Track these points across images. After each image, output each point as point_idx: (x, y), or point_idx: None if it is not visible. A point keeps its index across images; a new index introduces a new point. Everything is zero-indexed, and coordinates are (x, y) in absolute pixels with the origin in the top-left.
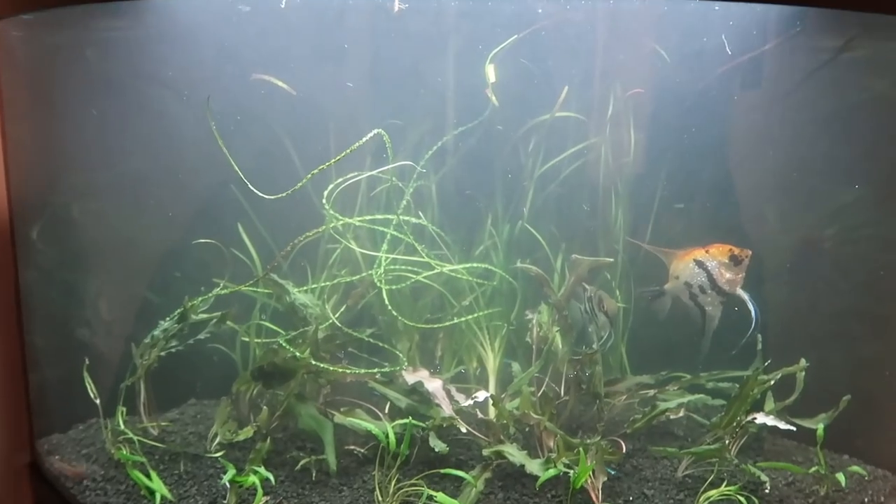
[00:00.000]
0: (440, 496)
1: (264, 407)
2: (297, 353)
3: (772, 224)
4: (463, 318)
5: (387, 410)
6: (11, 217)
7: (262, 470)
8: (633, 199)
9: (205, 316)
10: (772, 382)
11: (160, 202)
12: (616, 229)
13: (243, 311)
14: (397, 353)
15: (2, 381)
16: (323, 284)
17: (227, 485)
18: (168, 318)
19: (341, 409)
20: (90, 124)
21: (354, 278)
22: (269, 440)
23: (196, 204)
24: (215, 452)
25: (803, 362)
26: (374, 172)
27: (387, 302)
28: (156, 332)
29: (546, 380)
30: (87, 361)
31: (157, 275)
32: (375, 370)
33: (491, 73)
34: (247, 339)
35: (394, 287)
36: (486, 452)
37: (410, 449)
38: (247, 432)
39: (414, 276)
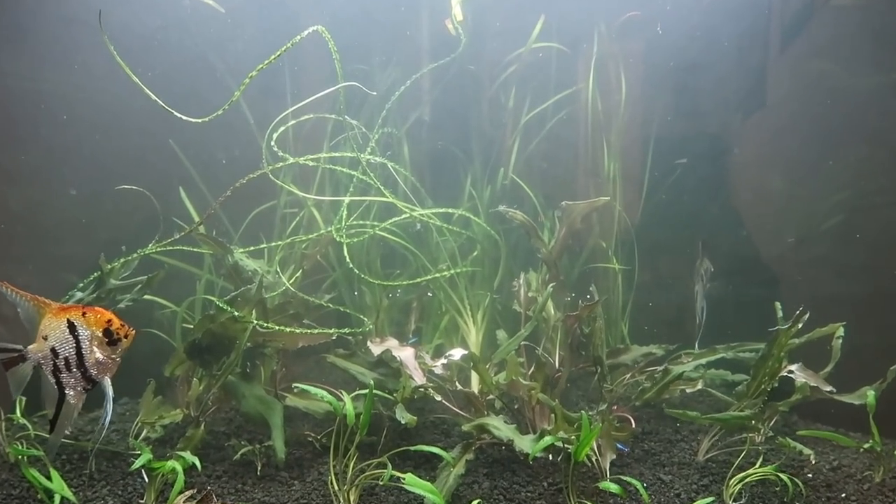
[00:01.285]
0: (409, 477)
1: (194, 381)
2: (237, 314)
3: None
4: (437, 274)
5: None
6: None
7: (186, 454)
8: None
9: (126, 282)
10: (799, 341)
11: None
12: (609, 184)
13: (184, 292)
14: (361, 318)
15: None
16: (275, 244)
17: (145, 476)
18: (81, 284)
19: (294, 390)
20: None
21: (311, 236)
22: (202, 426)
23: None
24: (137, 448)
25: (840, 329)
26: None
27: (347, 258)
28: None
29: (539, 350)
30: None
31: (76, 246)
32: (333, 330)
33: (457, 9)
34: (188, 325)
35: (355, 241)
36: (466, 428)
37: (380, 433)
38: (174, 416)
39: (376, 226)
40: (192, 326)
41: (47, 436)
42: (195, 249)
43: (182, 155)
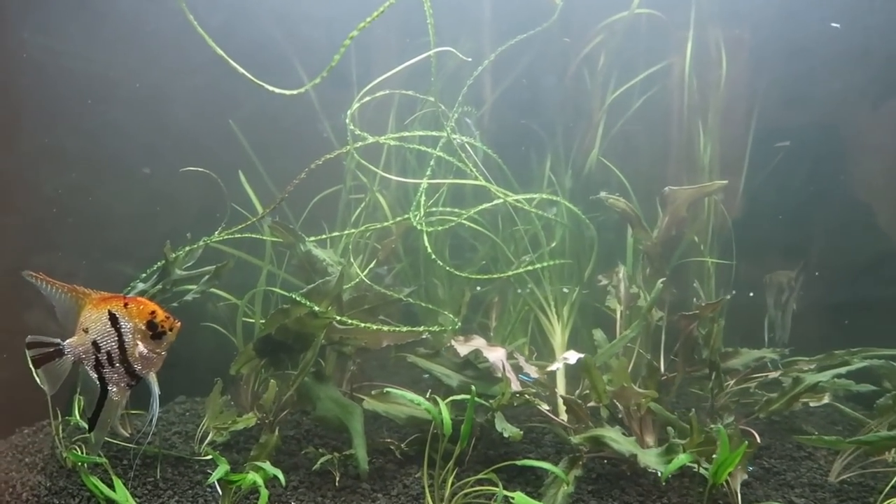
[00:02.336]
0: (518, 496)
1: (271, 383)
2: (317, 308)
3: None
4: (529, 267)
5: (427, 395)
6: None
7: (266, 465)
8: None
9: (191, 272)
10: None
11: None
12: (705, 169)
13: (241, 285)
14: (446, 315)
15: None
16: (348, 232)
17: (217, 488)
18: (144, 275)
19: (372, 393)
20: None
21: (388, 223)
22: (277, 432)
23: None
24: (205, 454)
25: None
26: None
27: (428, 247)
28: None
29: (640, 351)
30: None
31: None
32: (421, 328)
33: None
34: (250, 319)
35: (439, 229)
36: (576, 440)
37: (467, 442)
38: (247, 420)
39: (462, 214)
40: (253, 321)
41: (112, 440)
42: (265, 238)
43: (242, 137)
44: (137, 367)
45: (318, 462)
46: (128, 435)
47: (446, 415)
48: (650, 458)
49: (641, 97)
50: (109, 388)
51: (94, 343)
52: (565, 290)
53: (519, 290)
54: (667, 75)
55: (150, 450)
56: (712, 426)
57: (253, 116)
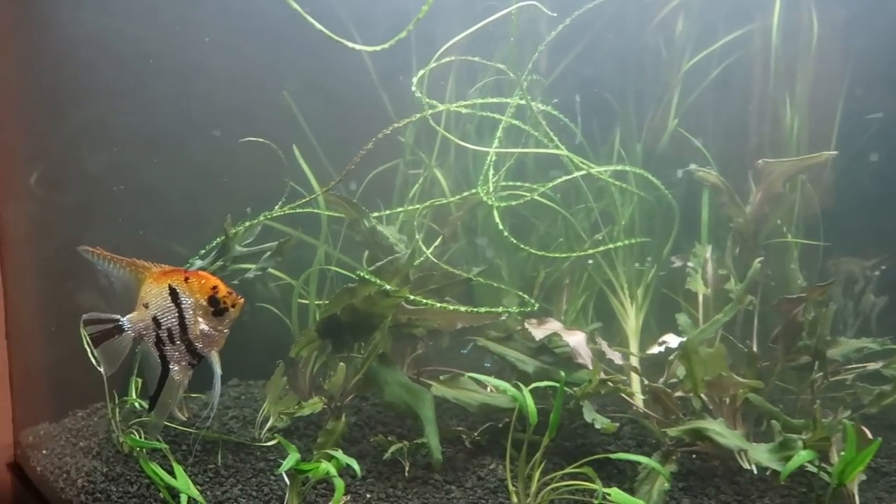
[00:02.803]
0: (614, 492)
1: (339, 366)
2: (388, 287)
3: None
4: (612, 245)
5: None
6: None
7: (339, 454)
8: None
9: (252, 249)
10: None
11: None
12: (792, 143)
13: (297, 265)
14: (520, 295)
15: None
16: (412, 208)
17: (284, 477)
18: (203, 252)
19: (440, 378)
20: None
21: (453, 199)
22: (344, 418)
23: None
24: (266, 441)
25: None
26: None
27: (499, 223)
28: None
29: (727, 337)
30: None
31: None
32: (500, 309)
33: None
34: (304, 300)
35: (509, 204)
36: (674, 432)
37: (542, 432)
38: (313, 405)
39: (536, 188)
40: (307, 302)
41: (169, 425)
42: (327, 213)
43: (296, 109)
44: (199, 345)
45: (390, 451)
46: (185, 419)
47: (531, 403)
48: (761, 455)
49: (721, 65)
50: (171, 366)
51: (155, 319)
52: (643, 265)
53: (590, 261)
54: (750, 40)
55: (210, 435)
56: (844, 422)
57: (306, 88)
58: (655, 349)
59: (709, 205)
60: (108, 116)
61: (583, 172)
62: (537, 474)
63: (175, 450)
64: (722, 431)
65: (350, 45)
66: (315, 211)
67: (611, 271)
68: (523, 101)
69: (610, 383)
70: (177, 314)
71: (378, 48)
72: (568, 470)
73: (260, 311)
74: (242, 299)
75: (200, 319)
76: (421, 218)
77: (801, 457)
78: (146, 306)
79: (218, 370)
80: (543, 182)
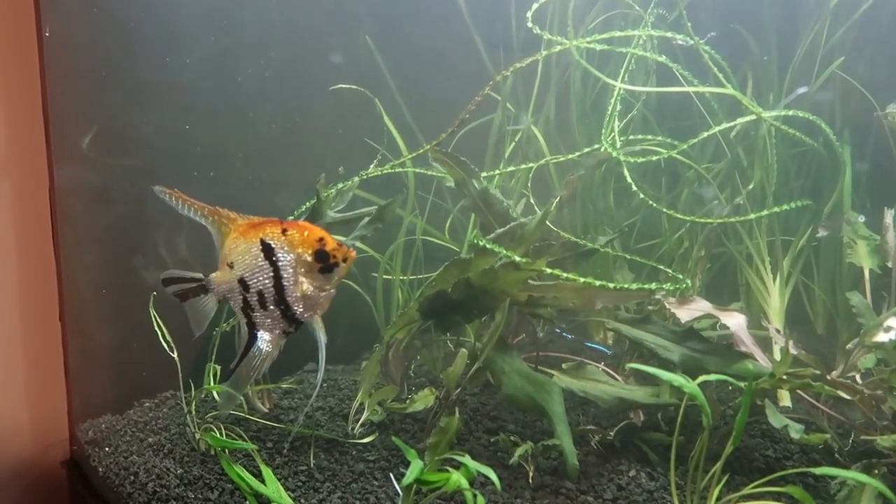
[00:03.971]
0: None
1: (461, 351)
2: (517, 257)
3: None
4: (765, 212)
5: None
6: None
7: (468, 461)
8: None
9: (346, 214)
10: None
11: None
12: None
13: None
14: (663, 269)
15: (30, 343)
16: (530, 166)
17: (396, 485)
18: (291, 218)
19: (563, 366)
20: None
21: (573, 156)
22: (458, 415)
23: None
24: (361, 437)
25: None
26: None
27: (630, 179)
28: None
29: None
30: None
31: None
32: (654, 285)
33: None
34: (388, 276)
35: (648, 160)
36: (885, 442)
37: (690, 433)
38: (425, 398)
39: (678, 146)
40: (395, 278)
41: (252, 418)
42: (431, 173)
43: (379, 58)
44: (298, 308)
45: (517, 454)
46: (266, 410)
47: (702, 397)
48: None
49: None
50: (259, 335)
51: (242, 281)
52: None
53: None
54: None
55: (302, 431)
56: None
57: (385, 33)
58: (883, 336)
59: (851, 165)
60: (172, 72)
61: (750, 118)
62: (716, 491)
63: (259, 448)
64: None
65: None
66: (416, 170)
67: (750, 241)
68: (657, 34)
69: (798, 378)
70: (271, 274)
71: None
72: (757, 488)
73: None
74: (354, 252)
75: (304, 279)
76: (524, 180)
77: None
78: (231, 266)
79: (323, 338)
80: (656, 134)
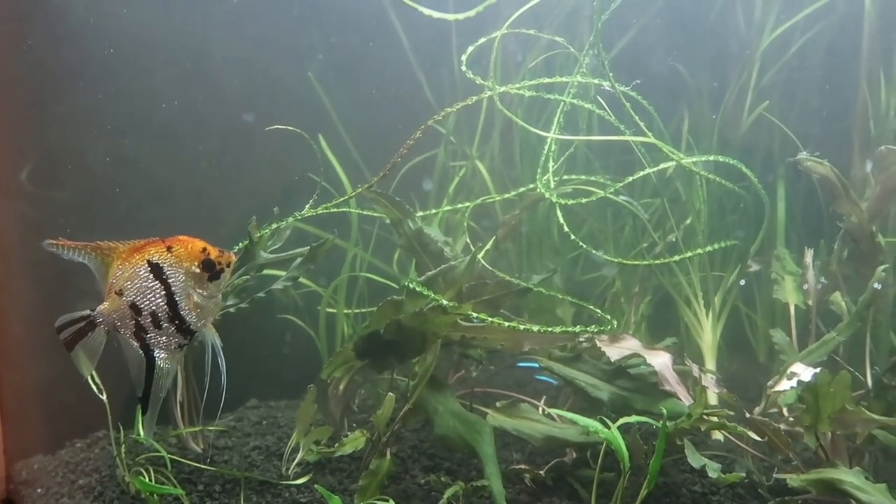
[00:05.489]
0: None
1: (388, 396)
2: (444, 301)
3: None
4: (698, 251)
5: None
6: None
7: None
8: None
9: (279, 256)
10: None
11: None
12: (888, 125)
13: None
14: (594, 310)
15: None
16: (465, 206)
17: None
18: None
19: (497, 405)
20: None
21: (510, 194)
22: (389, 456)
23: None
24: (296, 477)
25: None
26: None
27: (562, 221)
28: None
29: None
30: None
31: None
32: (580, 328)
33: None
34: (332, 309)
35: (578, 202)
36: (797, 482)
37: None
38: (355, 441)
39: (613, 185)
40: (334, 311)
41: (183, 461)
42: (365, 213)
43: (323, 93)
44: (192, 319)
45: (446, 496)
46: (200, 451)
47: (622, 444)
48: None
49: (803, 37)
50: (156, 355)
51: (133, 305)
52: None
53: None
54: (831, 11)
55: (231, 473)
56: None
57: (331, 69)
58: (785, 385)
59: (785, 200)
60: (110, 106)
61: (670, 164)
62: None
63: (190, 490)
64: (862, 485)
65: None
66: (350, 210)
67: (683, 276)
68: (586, 81)
69: (711, 417)
70: (163, 292)
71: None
72: None
73: (281, 323)
74: (233, 255)
75: (194, 290)
76: (465, 217)
77: None
78: (119, 293)
79: (218, 342)
80: (595, 174)
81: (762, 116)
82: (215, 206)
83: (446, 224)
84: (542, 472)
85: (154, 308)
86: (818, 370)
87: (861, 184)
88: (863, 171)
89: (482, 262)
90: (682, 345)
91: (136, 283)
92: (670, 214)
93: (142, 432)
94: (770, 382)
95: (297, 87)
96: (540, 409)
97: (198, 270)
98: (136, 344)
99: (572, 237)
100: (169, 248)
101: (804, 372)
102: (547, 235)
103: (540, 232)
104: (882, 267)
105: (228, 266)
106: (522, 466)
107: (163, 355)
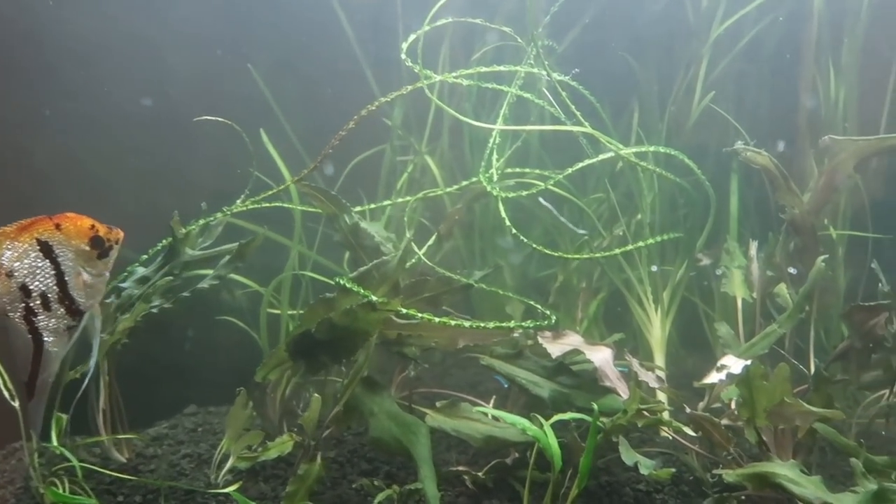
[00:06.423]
0: None
1: (314, 397)
2: (374, 297)
3: None
4: (642, 243)
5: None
6: None
7: None
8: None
9: (207, 253)
10: None
11: None
12: (837, 121)
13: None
14: (532, 305)
15: None
16: (405, 200)
17: None
18: (145, 257)
19: (437, 405)
20: None
21: (451, 189)
22: (319, 459)
23: None
24: (227, 485)
25: None
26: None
27: (504, 216)
28: (126, 284)
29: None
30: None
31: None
32: (513, 324)
33: None
34: (275, 310)
35: (519, 195)
36: (732, 477)
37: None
38: (282, 445)
39: (555, 175)
40: (278, 312)
41: (102, 471)
42: (300, 208)
43: (263, 85)
44: (81, 299)
45: (377, 500)
46: (124, 461)
47: (554, 443)
48: None
49: (753, 29)
50: (45, 339)
51: (24, 287)
52: (665, 264)
53: (655, 268)
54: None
55: (153, 483)
56: None
57: (275, 64)
58: (715, 377)
59: (738, 194)
60: (45, 101)
61: (609, 155)
62: None
63: (108, 502)
64: (796, 478)
65: None
66: (284, 205)
67: (632, 271)
68: (534, 70)
69: (647, 413)
70: (53, 272)
71: None
72: None
73: (222, 325)
74: (122, 232)
75: (83, 268)
76: (411, 213)
77: None
78: (9, 275)
79: (99, 323)
80: (548, 169)
81: (715, 111)
82: (155, 203)
83: (397, 223)
84: (481, 474)
85: (44, 289)
86: (749, 362)
87: (809, 175)
88: (809, 163)
89: (424, 259)
90: (635, 342)
91: (25, 263)
92: (619, 211)
93: (54, 440)
94: (707, 379)
95: (238, 81)
96: (477, 409)
97: (87, 248)
98: (26, 328)
99: (513, 231)
100: (58, 226)
101: (734, 364)
102: (500, 233)
103: (493, 229)
104: (822, 257)
105: (117, 243)
106: (461, 468)
107: (51, 339)
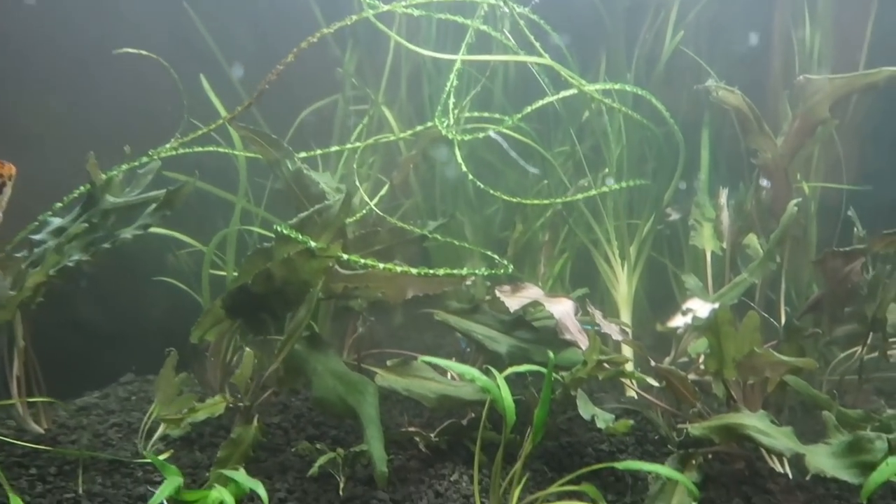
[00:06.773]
0: None
1: (246, 352)
2: (313, 243)
3: None
4: (602, 189)
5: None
6: None
7: (239, 475)
8: None
9: (131, 199)
10: None
11: None
12: (812, 67)
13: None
14: (489, 256)
15: None
16: (350, 146)
17: None
18: (59, 206)
19: (388, 363)
20: None
21: (403, 135)
22: (256, 422)
23: None
24: (157, 454)
25: None
26: None
27: (461, 162)
28: (39, 236)
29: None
30: None
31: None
32: (464, 271)
33: None
34: (220, 271)
35: (475, 137)
36: (698, 430)
37: (519, 430)
38: (212, 407)
39: (510, 120)
40: (225, 272)
41: (18, 442)
42: (235, 153)
43: (200, 23)
44: None
45: (317, 464)
46: (42, 431)
47: (507, 395)
48: (824, 461)
49: None
50: None
51: None
52: (633, 217)
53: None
54: None
55: (70, 453)
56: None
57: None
58: (680, 320)
59: (709, 145)
60: None
61: (571, 91)
62: (517, 491)
63: (19, 475)
64: (766, 429)
65: None
66: (219, 150)
67: (598, 226)
68: (494, 2)
69: (608, 365)
70: None
71: None
72: (559, 487)
73: (165, 288)
74: (14, 167)
75: None
76: (367, 168)
77: (891, 467)
78: None
79: None
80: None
81: (685, 62)
82: (70, 149)
83: (350, 180)
84: (433, 436)
85: None
86: (716, 305)
87: (783, 120)
88: (784, 108)
89: (375, 209)
90: (602, 303)
91: None
92: (585, 165)
93: None
94: (680, 330)
95: (174, 20)
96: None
97: None
98: None
99: (471, 177)
100: None
101: (700, 307)
102: (462, 189)
103: (454, 186)
104: (794, 201)
105: (10, 179)
106: (413, 429)
107: None
